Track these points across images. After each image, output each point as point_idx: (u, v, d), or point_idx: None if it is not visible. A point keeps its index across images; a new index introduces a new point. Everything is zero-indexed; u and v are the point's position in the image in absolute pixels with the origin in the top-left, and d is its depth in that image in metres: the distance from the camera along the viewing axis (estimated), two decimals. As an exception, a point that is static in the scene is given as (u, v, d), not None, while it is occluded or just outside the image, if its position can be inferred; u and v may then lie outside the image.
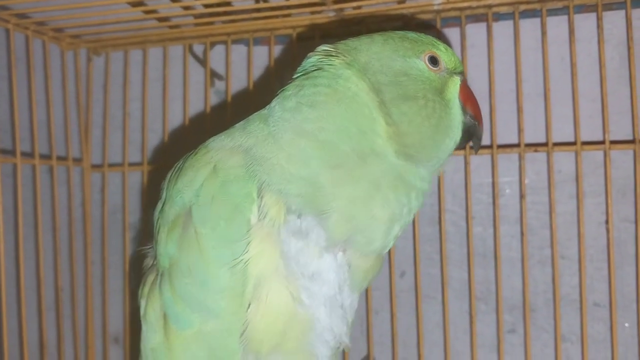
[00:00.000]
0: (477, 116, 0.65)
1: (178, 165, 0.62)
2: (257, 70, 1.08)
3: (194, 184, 0.58)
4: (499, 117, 0.97)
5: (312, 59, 0.63)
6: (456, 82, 0.64)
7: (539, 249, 0.99)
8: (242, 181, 0.56)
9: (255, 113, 0.65)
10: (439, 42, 0.64)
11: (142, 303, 0.62)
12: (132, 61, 1.12)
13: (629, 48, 0.90)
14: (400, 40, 0.63)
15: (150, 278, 0.62)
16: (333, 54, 0.62)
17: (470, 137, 0.66)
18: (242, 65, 1.08)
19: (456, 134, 0.63)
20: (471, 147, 0.68)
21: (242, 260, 0.55)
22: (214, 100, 1.10)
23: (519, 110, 0.93)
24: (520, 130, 0.93)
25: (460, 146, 0.66)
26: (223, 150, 0.59)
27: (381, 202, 0.58)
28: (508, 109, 0.99)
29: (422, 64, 0.62)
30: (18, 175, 0.93)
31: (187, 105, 1.07)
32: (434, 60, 0.63)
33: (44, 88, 1.06)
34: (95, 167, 1.12)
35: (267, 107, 0.64)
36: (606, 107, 0.90)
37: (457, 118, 0.63)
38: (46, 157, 1.03)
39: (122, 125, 1.10)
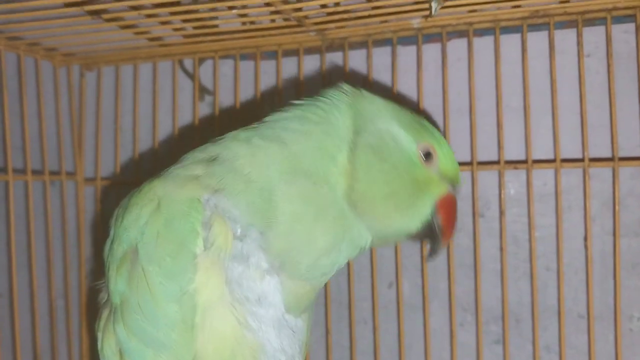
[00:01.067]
0: (444, 231, 0.64)
1: (124, 203, 0.64)
2: (246, 85, 1.10)
3: (138, 221, 0.59)
4: (480, 133, 0.99)
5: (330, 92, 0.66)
6: (442, 188, 0.64)
7: (525, 261, 1.02)
8: (186, 216, 0.58)
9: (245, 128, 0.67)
10: (444, 146, 0.64)
11: (99, 337, 0.64)
12: (124, 76, 1.14)
13: (608, 65, 0.91)
14: (412, 118, 0.64)
15: (105, 313, 0.64)
16: (346, 92, 0.65)
17: (431, 243, 0.66)
18: (232, 79, 1.10)
19: (410, 226, 0.63)
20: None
21: (188, 292, 0.57)
22: (204, 113, 1.13)
23: (499, 126, 0.95)
24: (500, 147, 0.95)
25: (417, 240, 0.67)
26: (169, 184, 0.60)
27: (323, 229, 0.60)
28: (490, 123, 1.00)
29: (415, 147, 0.62)
30: (10, 192, 0.95)
31: (176, 119, 1.09)
32: (428, 155, 0.62)
33: (36, 104, 1.09)
34: (88, 180, 1.15)
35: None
36: (585, 123, 0.91)
37: (420, 214, 0.63)
38: (39, 172, 1.06)
39: (114, 139, 1.13)
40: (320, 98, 0.65)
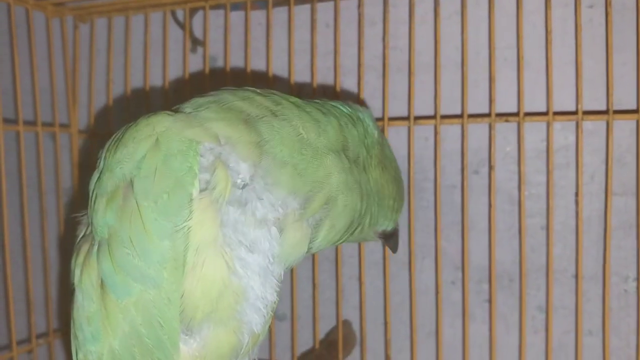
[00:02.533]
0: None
1: (117, 136, 0.63)
2: (236, 35, 1.09)
3: (135, 156, 0.58)
4: (472, 86, 0.95)
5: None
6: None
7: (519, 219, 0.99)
8: (185, 156, 0.58)
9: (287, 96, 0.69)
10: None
11: (77, 272, 0.63)
12: (116, 29, 1.13)
13: (606, 14, 0.86)
14: None
15: (84, 247, 0.64)
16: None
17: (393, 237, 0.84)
18: (223, 30, 1.08)
19: (398, 211, 0.81)
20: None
21: (183, 231, 0.57)
22: (196, 64, 1.11)
23: (491, 79, 0.91)
24: (491, 100, 0.91)
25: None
26: (169, 122, 0.60)
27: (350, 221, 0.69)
28: (484, 77, 0.97)
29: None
30: (0, 141, 0.96)
31: (167, 71, 1.08)
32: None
33: (28, 55, 1.09)
34: (82, 132, 1.15)
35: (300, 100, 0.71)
36: (580, 76, 0.87)
37: (401, 204, 0.82)
38: (31, 123, 1.06)
39: (107, 91, 1.12)
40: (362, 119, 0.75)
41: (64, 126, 1.14)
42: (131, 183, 0.58)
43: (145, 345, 0.59)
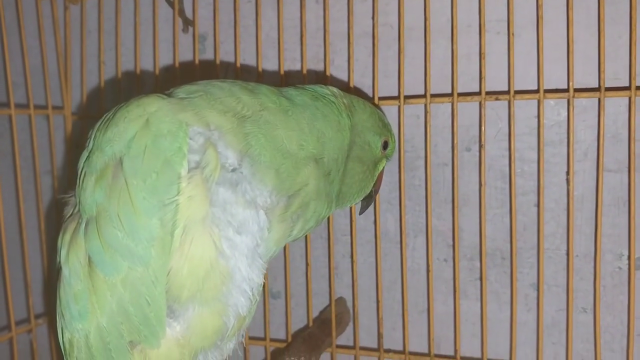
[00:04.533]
0: (377, 190, 0.85)
1: (108, 116, 0.63)
2: (225, 13, 1.07)
3: (125, 135, 0.59)
4: (464, 61, 0.94)
5: (325, 90, 0.75)
6: (383, 163, 0.83)
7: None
8: (174, 136, 0.59)
9: (271, 88, 0.69)
10: (393, 134, 0.83)
11: (63, 251, 0.64)
12: (106, 10, 1.12)
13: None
14: (378, 119, 0.80)
15: (71, 225, 0.64)
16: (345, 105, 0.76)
17: (366, 201, 0.85)
18: (212, 8, 1.07)
19: (365, 194, 0.82)
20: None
21: (171, 208, 0.58)
22: (186, 45, 1.10)
23: (481, 56, 0.89)
24: (481, 78, 0.90)
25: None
26: (160, 104, 0.61)
27: (321, 207, 0.70)
28: (476, 52, 0.95)
29: (380, 144, 0.79)
30: (-8, 125, 0.97)
31: (157, 50, 1.07)
32: (385, 145, 0.80)
33: (19, 38, 1.08)
34: (74, 115, 1.15)
35: (282, 89, 0.72)
36: (572, 52, 0.85)
37: (371, 184, 0.81)
38: (23, 106, 1.07)
39: (98, 73, 1.12)
40: (329, 98, 0.74)
41: (57, 108, 1.14)
42: (121, 162, 0.59)
43: (133, 323, 0.61)
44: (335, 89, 0.76)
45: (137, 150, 0.58)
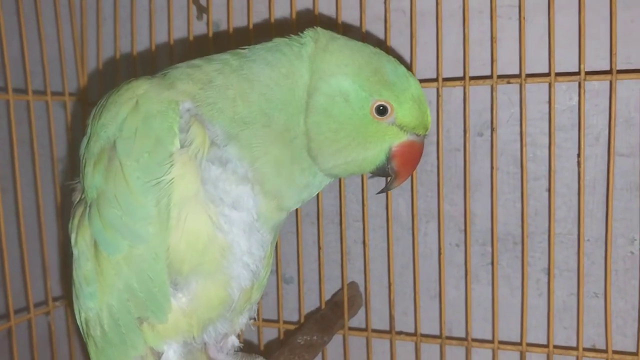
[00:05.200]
0: (399, 174, 0.67)
1: (102, 102, 0.65)
2: (238, 3, 1.08)
3: (117, 118, 0.61)
4: (476, 46, 0.94)
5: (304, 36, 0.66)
6: (400, 137, 0.65)
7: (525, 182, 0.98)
8: (164, 115, 0.60)
9: (234, 51, 0.67)
10: (403, 98, 0.64)
11: (73, 235, 0.66)
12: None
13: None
14: (373, 72, 0.63)
15: (79, 211, 0.67)
16: (314, 39, 0.65)
17: (386, 180, 0.70)
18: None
19: (362, 171, 0.67)
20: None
21: (164, 186, 0.59)
22: (201, 33, 1.12)
23: (493, 39, 0.90)
24: (493, 61, 0.90)
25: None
26: (148, 85, 0.62)
27: (299, 172, 0.64)
28: (488, 37, 0.95)
29: (370, 103, 0.63)
30: (11, 111, 0.98)
31: (172, 38, 1.09)
32: (382, 110, 0.63)
33: (36, 25, 1.10)
34: (92, 104, 1.17)
35: (246, 48, 0.67)
36: (583, 35, 0.85)
37: (372, 162, 0.65)
38: (41, 92, 1.09)
39: (115, 60, 1.14)
40: (291, 43, 0.65)
41: (74, 95, 1.16)
42: (114, 144, 0.61)
43: (139, 299, 0.62)
44: (316, 30, 0.66)
45: (129, 132, 0.60)
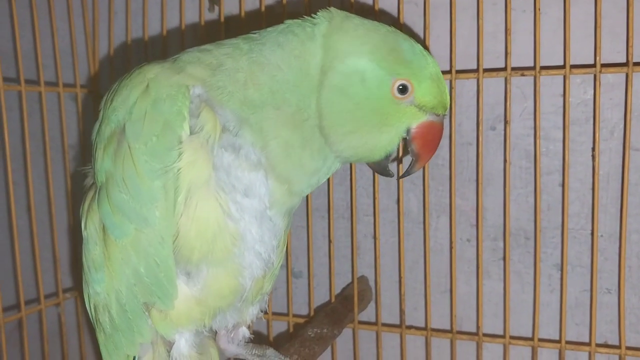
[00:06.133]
0: (420, 156, 0.66)
1: (114, 87, 0.65)
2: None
3: (127, 102, 0.61)
4: (489, 38, 0.93)
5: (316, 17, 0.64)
6: (419, 117, 0.63)
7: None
8: (173, 99, 0.60)
9: (245, 35, 0.67)
10: (423, 77, 0.62)
11: (83, 219, 0.66)
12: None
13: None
14: (390, 50, 0.61)
15: (89, 195, 0.67)
16: (328, 18, 0.63)
17: (409, 165, 0.68)
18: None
19: (378, 155, 0.65)
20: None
21: (173, 170, 0.59)
22: (213, 25, 1.11)
23: (507, 32, 0.89)
24: (507, 53, 0.89)
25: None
26: (160, 69, 0.62)
27: (310, 157, 0.63)
28: (502, 29, 0.95)
29: (390, 82, 0.61)
30: (23, 101, 0.99)
31: (183, 30, 1.09)
32: (402, 89, 0.61)
33: (49, 18, 1.10)
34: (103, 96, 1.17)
35: (258, 32, 0.66)
36: (599, 26, 0.84)
37: (388, 144, 0.64)
38: (53, 84, 1.09)
39: (125, 53, 1.14)
40: (303, 24, 0.63)
41: (85, 87, 1.16)
42: (124, 127, 0.61)
43: (145, 284, 0.62)
44: (330, 10, 0.64)
45: (138, 115, 0.60)
